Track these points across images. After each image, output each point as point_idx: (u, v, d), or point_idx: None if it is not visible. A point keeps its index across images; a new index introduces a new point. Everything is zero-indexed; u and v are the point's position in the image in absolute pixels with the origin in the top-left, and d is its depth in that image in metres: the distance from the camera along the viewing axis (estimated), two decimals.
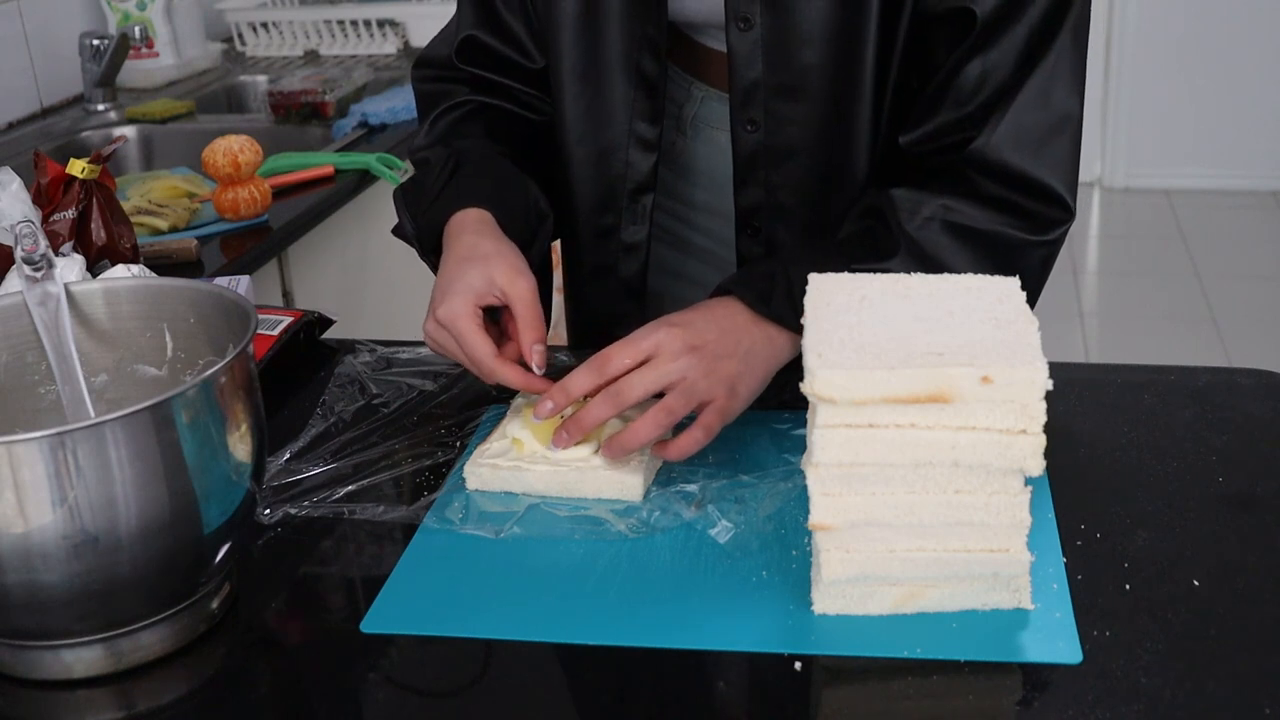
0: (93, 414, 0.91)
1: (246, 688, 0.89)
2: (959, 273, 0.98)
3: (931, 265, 1.08)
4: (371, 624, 0.92)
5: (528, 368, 1.09)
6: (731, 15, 1.15)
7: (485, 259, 1.11)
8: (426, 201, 1.20)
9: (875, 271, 1.01)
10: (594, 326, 1.35)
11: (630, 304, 1.31)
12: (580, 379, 1.04)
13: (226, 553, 0.92)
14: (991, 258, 1.10)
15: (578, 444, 1.06)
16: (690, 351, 1.03)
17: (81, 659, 0.88)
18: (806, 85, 1.16)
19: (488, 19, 1.29)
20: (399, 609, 0.93)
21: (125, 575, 0.85)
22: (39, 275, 0.97)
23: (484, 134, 1.28)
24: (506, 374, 1.09)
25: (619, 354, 1.03)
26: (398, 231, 1.26)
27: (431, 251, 1.21)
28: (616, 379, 1.03)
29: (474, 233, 1.15)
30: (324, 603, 0.98)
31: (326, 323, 1.37)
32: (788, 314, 1.05)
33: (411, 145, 1.34)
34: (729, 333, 1.05)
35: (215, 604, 0.93)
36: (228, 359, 0.88)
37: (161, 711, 0.88)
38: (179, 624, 0.90)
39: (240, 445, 0.90)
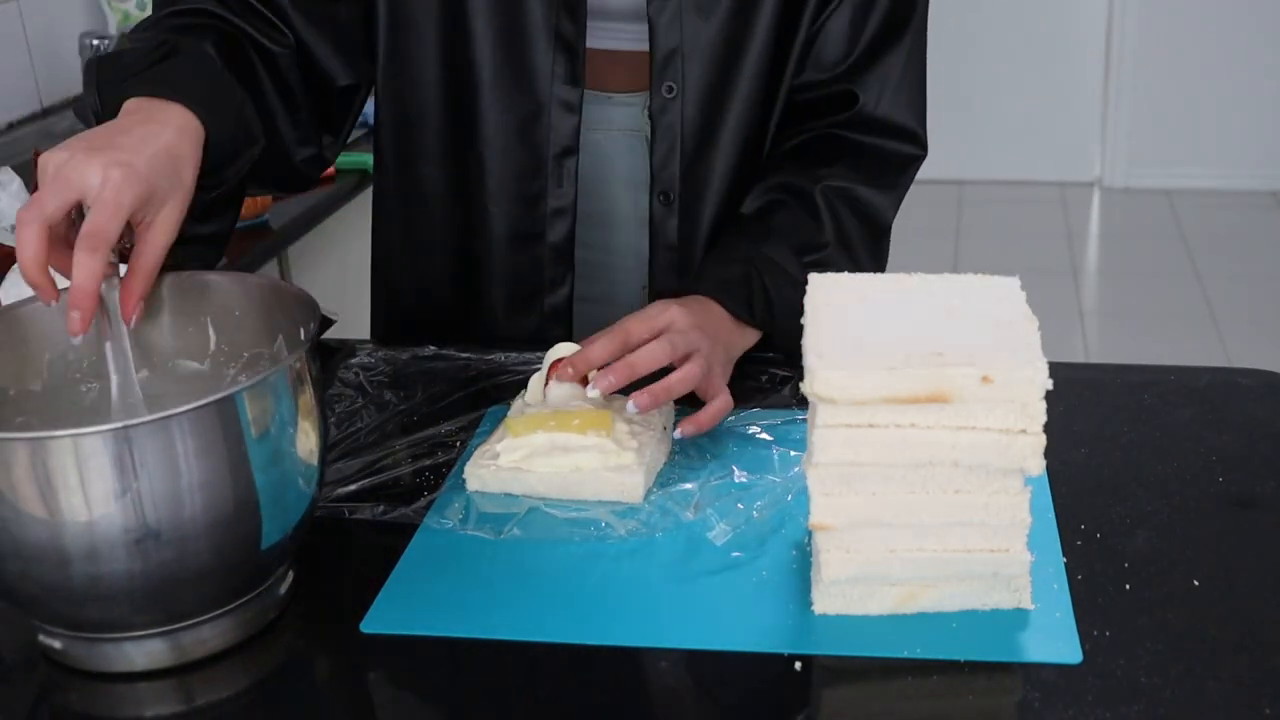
0: (142, 402, 0.91)
1: (253, 689, 0.90)
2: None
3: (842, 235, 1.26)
4: (371, 624, 0.92)
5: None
6: None
7: (171, 151, 0.96)
8: (123, 76, 1.04)
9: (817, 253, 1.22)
10: (520, 297, 1.34)
11: (561, 268, 1.32)
12: (601, 348, 1.09)
13: (290, 546, 0.92)
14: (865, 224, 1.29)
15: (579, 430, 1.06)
16: (697, 328, 1.12)
17: (144, 651, 0.88)
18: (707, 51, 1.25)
19: None
20: (399, 609, 0.93)
21: (189, 569, 0.84)
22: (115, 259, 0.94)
23: (213, 45, 1.12)
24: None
25: (638, 326, 1.10)
26: (78, 108, 1.14)
27: None
28: (633, 350, 1.09)
29: (175, 128, 0.99)
30: (324, 603, 0.98)
31: (326, 323, 1.37)
32: (766, 320, 1.20)
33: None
34: (719, 321, 1.17)
35: (283, 589, 0.93)
36: (300, 349, 0.88)
37: (221, 705, 0.88)
38: (240, 617, 0.90)
39: (305, 438, 0.89)
